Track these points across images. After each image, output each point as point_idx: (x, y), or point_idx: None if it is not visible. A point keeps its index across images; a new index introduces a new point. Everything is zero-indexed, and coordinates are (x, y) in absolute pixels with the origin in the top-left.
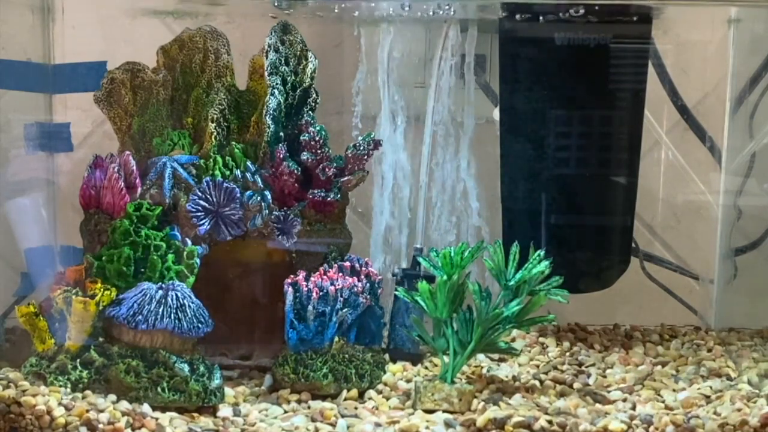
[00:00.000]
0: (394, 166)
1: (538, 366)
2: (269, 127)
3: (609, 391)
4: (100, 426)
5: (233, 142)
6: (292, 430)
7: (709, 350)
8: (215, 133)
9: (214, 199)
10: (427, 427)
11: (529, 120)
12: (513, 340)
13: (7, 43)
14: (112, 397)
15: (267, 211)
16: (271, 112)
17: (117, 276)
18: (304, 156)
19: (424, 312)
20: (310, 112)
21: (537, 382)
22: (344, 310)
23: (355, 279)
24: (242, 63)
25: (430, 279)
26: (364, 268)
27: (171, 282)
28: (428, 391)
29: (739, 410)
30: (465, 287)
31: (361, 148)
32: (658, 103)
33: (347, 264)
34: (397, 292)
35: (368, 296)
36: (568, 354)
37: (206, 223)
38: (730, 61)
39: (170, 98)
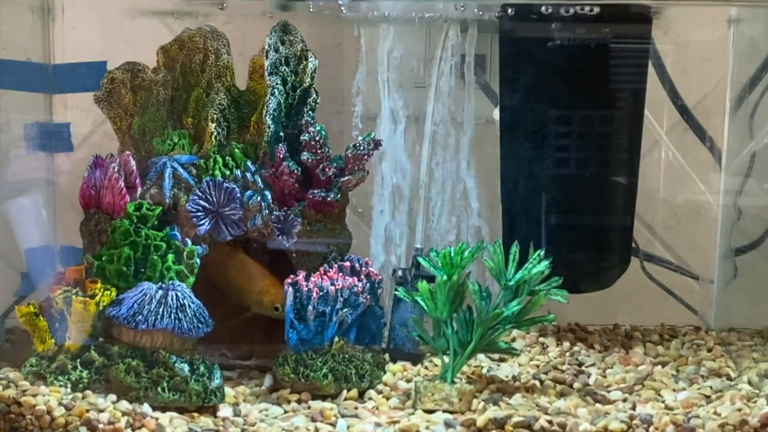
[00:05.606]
0: (394, 166)
1: (538, 366)
2: (269, 127)
3: (609, 391)
4: (100, 426)
5: (233, 142)
6: (292, 430)
7: (709, 350)
8: (215, 133)
9: (214, 199)
10: (427, 427)
11: (529, 120)
12: (513, 340)
13: (7, 43)
14: (112, 397)
15: (267, 211)
16: (271, 112)
17: (117, 276)
18: (304, 156)
19: (424, 312)
20: (310, 112)
21: (537, 382)
22: (344, 310)
23: (355, 279)
24: (242, 63)
25: (430, 279)
26: (364, 268)
27: (171, 282)
28: (428, 391)
29: (739, 410)
30: (465, 287)
31: (361, 148)
32: (658, 103)
33: (347, 264)
34: (397, 292)
35: (368, 296)
36: (568, 354)
37: (206, 223)
38: (730, 61)
39: (170, 98)
